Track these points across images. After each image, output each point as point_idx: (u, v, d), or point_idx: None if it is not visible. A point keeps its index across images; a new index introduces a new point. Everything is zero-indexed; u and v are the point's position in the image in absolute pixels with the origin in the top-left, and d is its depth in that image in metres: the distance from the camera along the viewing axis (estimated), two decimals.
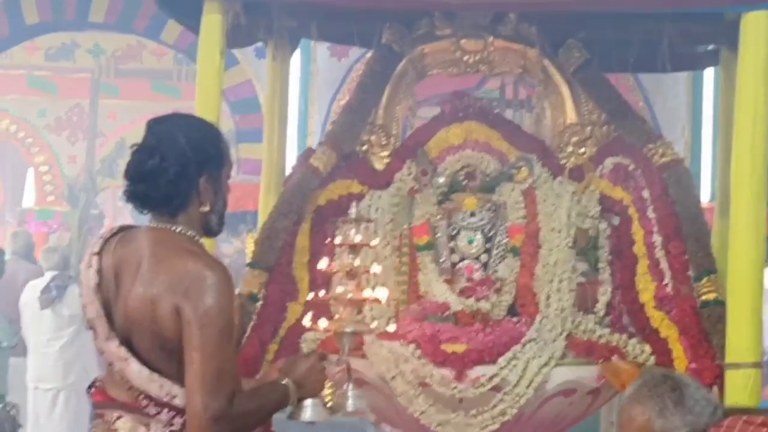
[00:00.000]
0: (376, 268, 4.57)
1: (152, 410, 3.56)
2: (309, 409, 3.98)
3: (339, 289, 4.46)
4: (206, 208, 3.70)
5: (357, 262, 4.45)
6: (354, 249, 4.48)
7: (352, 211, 4.62)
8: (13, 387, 10.24)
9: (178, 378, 3.54)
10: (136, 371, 3.55)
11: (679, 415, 3.48)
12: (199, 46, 5.63)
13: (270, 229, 5.81)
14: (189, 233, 3.66)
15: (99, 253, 3.71)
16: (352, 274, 4.50)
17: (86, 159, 13.74)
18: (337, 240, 4.53)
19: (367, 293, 4.54)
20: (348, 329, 4.37)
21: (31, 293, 10.25)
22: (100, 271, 3.67)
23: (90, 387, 3.79)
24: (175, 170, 3.62)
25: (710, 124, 9.63)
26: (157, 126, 3.74)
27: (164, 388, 3.54)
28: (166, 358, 3.55)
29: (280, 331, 5.74)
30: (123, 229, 3.79)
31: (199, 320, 3.47)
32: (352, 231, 4.56)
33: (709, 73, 9.27)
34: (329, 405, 4.08)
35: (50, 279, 10.22)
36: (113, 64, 14.14)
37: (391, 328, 5.01)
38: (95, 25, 11.90)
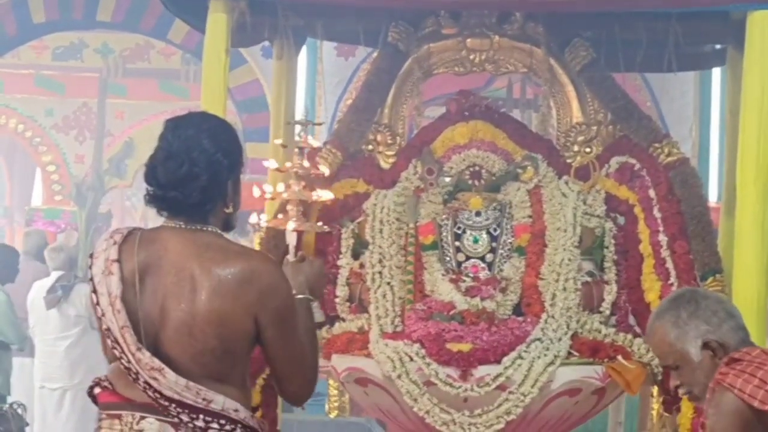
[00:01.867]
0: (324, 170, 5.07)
1: (185, 417, 3.52)
2: (316, 312, 4.12)
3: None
4: (230, 210, 3.72)
5: (306, 164, 4.83)
6: (301, 151, 4.87)
7: (301, 117, 5.04)
8: (20, 386, 10.26)
9: (220, 379, 3.56)
10: (172, 381, 3.50)
11: (694, 324, 3.52)
12: (204, 45, 5.64)
13: (275, 229, 5.81)
14: (218, 231, 3.68)
15: (118, 260, 3.63)
16: (301, 176, 4.83)
17: (94, 158, 13.77)
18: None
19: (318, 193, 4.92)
20: (290, 227, 4.75)
21: (37, 293, 10.26)
22: (122, 279, 3.59)
23: (91, 388, 3.76)
24: (207, 176, 3.63)
25: (718, 123, 9.62)
26: (180, 130, 3.69)
27: (200, 394, 3.51)
28: (223, 359, 3.55)
29: None
30: (133, 231, 3.75)
31: (284, 314, 3.58)
32: (300, 131, 4.95)
33: (716, 73, 9.27)
34: None
35: (56, 279, 10.23)
36: (121, 64, 14.16)
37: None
38: (102, 24, 11.91)
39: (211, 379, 3.54)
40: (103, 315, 3.58)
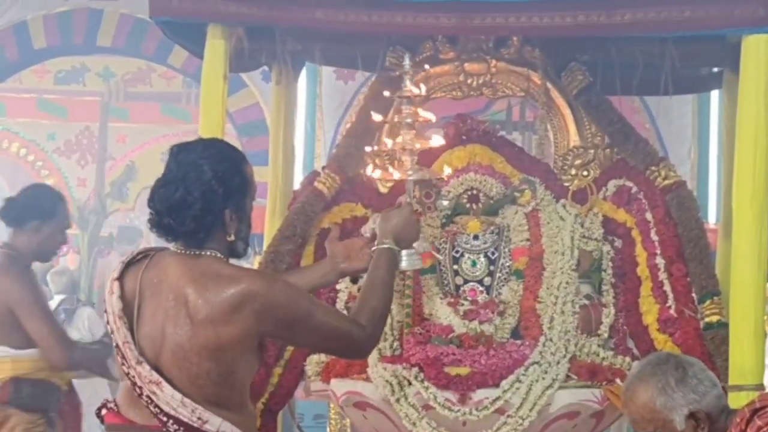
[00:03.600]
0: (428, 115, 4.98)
1: None
2: (405, 259, 4.35)
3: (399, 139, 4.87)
4: (231, 238, 3.73)
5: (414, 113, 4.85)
6: (411, 101, 4.85)
7: (406, 63, 5.00)
8: None
9: (218, 403, 3.62)
10: (169, 395, 3.59)
11: (681, 393, 3.49)
12: (202, 71, 5.66)
13: (274, 252, 5.82)
14: (219, 256, 3.70)
15: (119, 279, 3.73)
16: (410, 125, 4.86)
17: (95, 182, 13.80)
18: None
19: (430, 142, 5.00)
20: (412, 176, 4.78)
21: None
22: (122, 297, 3.71)
23: (99, 409, 3.81)
24: (200, 205, 3.66)
25: (716, 145, 9.65)
26: (182, 155, 3.75)
27: (195, 413, 3.58)
28: (221, 382, 3.61)
29: (284, 354, 5.73)
30: (146, 252, 3.82)
31: (289, 321, 3.66)
32: (407, 82, 4.89)
33: (715, 95, 9.30)
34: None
35: (59, 303, 10.25)
36: (123, 88, 14.21)
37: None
38: (103, 49, 11.95)
39: (209, 402, 3.59)
40: (112, 332, 3.72)
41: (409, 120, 4.88)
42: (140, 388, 3.63)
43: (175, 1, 5.56)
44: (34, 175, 14.56)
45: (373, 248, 4.21)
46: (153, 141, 14.29)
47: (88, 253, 13.16)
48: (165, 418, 3.60)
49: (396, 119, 4.95)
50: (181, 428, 3.59)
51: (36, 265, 6.40)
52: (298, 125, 7.55)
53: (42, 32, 11.47)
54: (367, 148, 5.65)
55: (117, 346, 3.69)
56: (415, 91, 4.92)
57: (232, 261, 3.80)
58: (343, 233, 5.93)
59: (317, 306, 3.81)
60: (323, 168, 6.15)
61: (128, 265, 3.80)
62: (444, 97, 6.31)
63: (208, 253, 3.69)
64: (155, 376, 3.60)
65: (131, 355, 3.65)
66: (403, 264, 4.35)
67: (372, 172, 5.27)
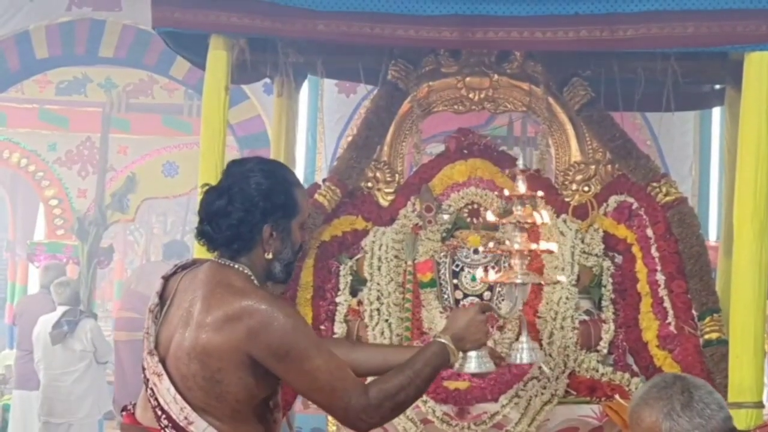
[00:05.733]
0: (545, 217, 4.81)
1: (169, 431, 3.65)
2: (474, 361, 4.18)
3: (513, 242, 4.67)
4: (269, 256, 3.73)
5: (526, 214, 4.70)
6: (521, 200, 4.70)
7: (519, 162, 4.86)
8: (23, 421, 10.26)
9: (205, 410, 3.64)
10: (165, 388, 3.65)
11: (687, 417, 3.45)
12: (204, 82, 5.66)
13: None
14: (246, 271, 3.70)
15: (166, 278, 3.86)
16: (521, 226, 4.70)
17: (96, 193, 13.76)
18: (506, 192, 4.79)
19: (543, 245, 4.78)
20: (519, 280, 4.56)
21: (42, 328, 10.28)
22: (161, 294, 3.81)
23: (123, 409, 3.92)
24: (239, 215, 3.69)
25: (718, 162, 9.64)
26: (234, 167, 3.82)
27: (184, 411, 3.64)
28: (206, 387, 3.63)
29: None
30: (196, 261, 3.94)
31: (281, 350, 3.59)
32: (519, 182, 4.71)
33: (717, 112, 9.29)
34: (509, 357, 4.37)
35: (62, 314, 10.24)
36: (124, 99, 14.17)
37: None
38: (105, 60, 11.94)
39: (197, 407, 3.64)
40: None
41: (519, 221, 4.73)
42: (147, 380, 3.71)
43: (177, 12, 5.56)
44: (35, 185, 14.55)
45: (440, 339, 4.07)
46: (154, 152, 14.26)
47: (88, 264, 13.11)
48: (159, 412, 3.66)
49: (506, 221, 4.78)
50: (170, 425, 3.64)
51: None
52: (300, 138, 7.54)
53: (44, 42, 11.44)
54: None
55: (144, 334, 3.80)
56: (522, 190, 4.75)
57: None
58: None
59: (320, 352, 3.65)
60: (324, 180, 6.16)
61: (179, 269, 3.89)
62: (446, 111, 6.31)
63: (237, 266, 3.72)
64: (159, 368, 3.67)
65: (146, 345, 3.74)
66: (473, 366, 4.18)
67: (483, 273, 5.00)
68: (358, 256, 5.92)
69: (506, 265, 5.78)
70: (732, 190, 5.71)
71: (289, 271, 3.85)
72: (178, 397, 3.63)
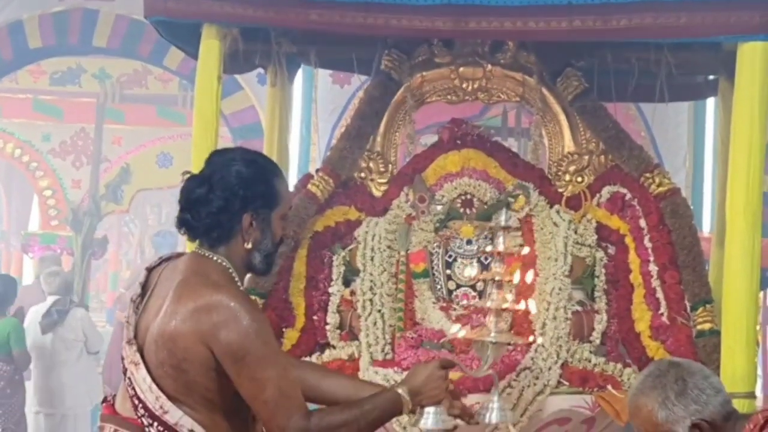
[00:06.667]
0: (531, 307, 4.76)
1: (145, 421, 3.65)
2: (431, 417, 4.07)
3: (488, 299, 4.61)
4: (248, 246, 3.72)
5: (504, 271, 4.63)
6: (500, 257, 4.63)
7: (501, 218, 4.84)
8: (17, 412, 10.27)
9: (178, 398, 3.63)
10: (141, 377, 3.64)
11: (683, 405, 3.45)
12: (197, 72, 5.65)
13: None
14: (224, 264, 3.69)
15: (150, 269, 3.86)
16: (499, 283, 4.64)
17: (90, 184, 13.76)
18: (488, 248, 4.76)
19: (521, 305, 4.73)
20: (491, 339, 4.49)
21: (33, 318, 10.27)
22: (143, 285, 3.81)
23: (103, 401, 3.91)
24: (219, 203, 3.68)
25: (712, 154, 9.63)
26: (216, 157, 3.81)
27: (159, 400, 3.63)
28: (174, 376, 3.62)
29: None
30: (180, 254, 3.95)
31: (239, 352, 3.56)
32: (500, 239, 4.64)
33: (710, 103, 9.28)
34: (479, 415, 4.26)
35: (52, 303, 10.24)
36: (119, 89, 14.17)
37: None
38: (99, 50, 11.94)
39: (170, 396, 3.65)
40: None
41: (498, 278, 4.67)
42: (126, 369, 3.71)
43: (170, 1, 5.55)
44: (29, 176, 14.55)
45: (399, 390, 3.95)
46: (148, 143, 14.27)
47: (82, 255, 13.11)
48: (137, 402, 3.65)
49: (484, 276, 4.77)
50: (147, 414, 3.64)
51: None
52: (293, 128, 7.53)
53: (37, 32, 11.45)
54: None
55: (125, 323, 3.81)
56: (501, 248, 4.70)
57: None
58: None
59: (277, 365, 3.60)
60: (317, 171, 6.15)
61: (163, 261, 3.89)
62: (439, 101, 6.30)
63: (216, 258, 3.71)
64: (137, 357, 3.66)
65: (126, 334, 3.73)
66: (429, 422, 4.05)
67: (452, 329, 4.94)
68: (351, 246, 5.91)
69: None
70: (725, 181, 5.71)
71: (269, 262, 3.82)
72: (154, 386, 3.62)
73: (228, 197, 3.67)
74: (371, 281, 5.72)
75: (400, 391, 3.90)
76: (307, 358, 5.65)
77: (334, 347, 5.73)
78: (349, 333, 5.75)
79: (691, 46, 5.97)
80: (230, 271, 3.72)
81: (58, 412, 10.40)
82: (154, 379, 3.63)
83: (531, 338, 4.98)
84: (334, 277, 5.87)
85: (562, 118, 6.18)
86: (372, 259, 5.76)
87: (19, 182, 16.02)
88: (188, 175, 3.79)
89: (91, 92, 14.17)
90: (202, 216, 3.69)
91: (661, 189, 5.75)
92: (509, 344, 4.59)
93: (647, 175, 5.80)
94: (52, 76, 14.14)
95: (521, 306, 4.81)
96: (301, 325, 5.80)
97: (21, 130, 14.44)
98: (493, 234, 5.69)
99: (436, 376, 3.99)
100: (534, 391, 5.29)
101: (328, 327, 5.78)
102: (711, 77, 6.64)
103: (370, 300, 5.67)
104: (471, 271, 5.58)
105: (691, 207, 6.05)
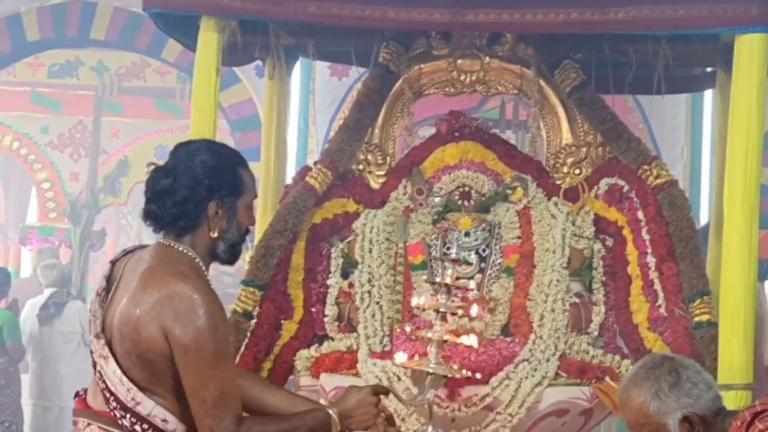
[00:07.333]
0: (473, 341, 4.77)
1: (118, 413, 3.65)
2: None
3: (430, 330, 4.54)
4: (214, 234, 3.73)
5: (449, 303, 4.56)
6: (447, 289, 4.56)
7: (452, 251, 4.80)
8: (11, 404, 10.27)
9: (148, 388, 3.63)
10: (111, 370, 3.64)
11: (675, 397, 3.47)
12: (195, 64, 5.65)
13: (265, 247, 5.82)
14: (190, 254, 3.70)
15: (114, 261, 3.86)
16: (443, 315, 4.59)
17: (88, 176, 13.75)
18: (437, 278, 4.72)
19: (462, 339, 4.75)
20: (430, 370, 4.46)
21: (30, 310, 10.27)
22: (108, 278, 3.80)
23: (76, 396, 3.89)
24: (184, 193, 3.68)
25: (709, 146, 9.64)
26: (181, 148, 3.81)
27: (130, 392, 3.63)
28: (141, 365, 3.62)
29: (274, 348, 5.75)
30: (144, 245, 3.94)
31: (191, 345, 3.55)
32: (449, 271, 4.60)
33: (708, 95, 9.28)
34: None
35: (49, 296, 10.24)
36: (117, 82, 14.15)
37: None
38: (97, 43, 11.93)
39: (140, 386, 3.64)
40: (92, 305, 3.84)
41: (443, 310, 4.61)
42: (95, 363, 3.70)
43: None
44: (27, 168, 14.54)
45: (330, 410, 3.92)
46: (146, 136, 14.27)
47: (80, 247, 13.12)
48: (108, 395, 3.65)
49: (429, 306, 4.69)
50: (119, 406, 3.63)
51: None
52: (291, 121, 7.53)
53: (35, 24, 11.44)
54: None
55: (90, 319, 3.80)
56: (448, 280, 4.60)
57: None
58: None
59: (225, 366, 3.60)
60: (315, 163, 6.15)
61: (127, 253, 3.88)
62: (437, 94, 6.30)
63: (182, 248, 3.71)
64: (106, 350, 3.66)
65: (93, 328, 3.73)
66: None
67: (396, 354, 5.07)
68: (350, 238, 5.91)
69: (497, 248, 5.81)
70: (722, 173, 5.72)
71: (235, 252, 3.81)
72: (124, 378, 3.61)
73: (193, 186, 3.68)
74: (369, 273, 5.73)
75: (330, 411, 3.88)
76: (306, 350, 5.67)
77: (332, 339, 5.74)
78: (348, 325, 5.76)
79: (688, 38, 5.97)
80: (196, 260, 3.72)
81: (56, 404, 10.40)
82: (124, 372, 3.62)
83: (467, 373, 4.91)
84: (332, 269, 5.88)
85: (560, 110, 6.18)
86: (370, 251, 5.77)
87: (18, 175, 16.01)
88: (153, 167, 3.79)
89: (89, 85, 14.15)
90: (167, 206, 3.69)
91: (658, 181, 5.75)
92: (446, 376, 4.56)
93: (645, 167, 5.80)
94: (50, 68, 14.14)
95: (462, 340, 4.81)
96: (299, 317, 5.82)
97: (19, 122, 14.43)
98: (489, 234, 5.73)
99: (367, 402, 3.97)
100: (532, 382, 5.30)
101: (326, 319, 5.79)
102: (709, 69, 6.64)
103: (369, 292, 5.68)
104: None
105: (689, 199, 6.04)
